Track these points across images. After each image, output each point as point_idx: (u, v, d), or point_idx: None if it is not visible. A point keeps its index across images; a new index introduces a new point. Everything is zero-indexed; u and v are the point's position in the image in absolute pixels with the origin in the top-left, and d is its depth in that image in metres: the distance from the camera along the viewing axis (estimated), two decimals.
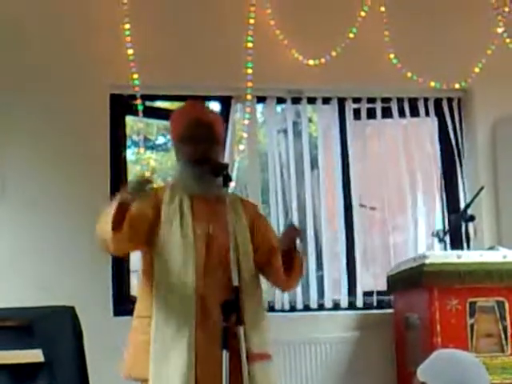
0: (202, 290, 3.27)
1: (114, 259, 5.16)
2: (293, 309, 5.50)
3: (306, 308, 5.53)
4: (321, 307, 5.55)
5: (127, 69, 5.24)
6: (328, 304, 5.56)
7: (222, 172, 3.31)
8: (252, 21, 5.46)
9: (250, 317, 3.29)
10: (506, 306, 4.68)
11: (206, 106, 3.76)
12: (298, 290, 5.45)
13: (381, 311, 5.49)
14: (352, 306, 5.57)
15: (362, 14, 5.62)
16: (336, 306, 5.58)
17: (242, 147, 5.51)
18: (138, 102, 5.31)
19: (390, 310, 5.40)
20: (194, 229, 3.35)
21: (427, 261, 4.67)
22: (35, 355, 3.67)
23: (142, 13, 5.30)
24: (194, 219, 3.38)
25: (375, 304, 5.57)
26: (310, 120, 6.55)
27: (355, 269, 5.63)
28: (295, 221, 5.49)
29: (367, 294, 5.63)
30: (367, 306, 5.57)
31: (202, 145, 3.41)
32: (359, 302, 5.57)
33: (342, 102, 5.79)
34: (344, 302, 5.57)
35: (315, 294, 5.54)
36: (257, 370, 3.26)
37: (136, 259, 5.95)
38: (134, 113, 5.37)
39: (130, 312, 5.04)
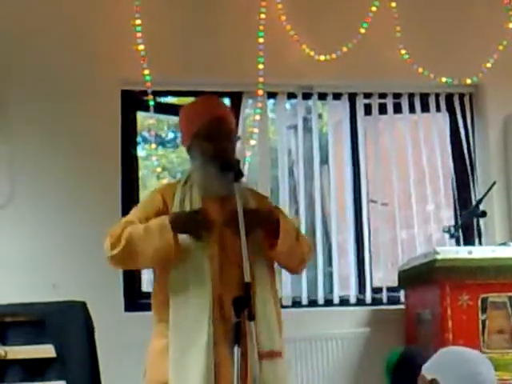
0: (219, 289, 3.25)
1: None
2: (299, 304, 5.50)
3: (314, 303, 5.53)
4: (328, 303, 5.55)
5: (138, 65, 5.24)
6: (337, 300, 5.55)
7: (233, 167, 3.30)
8: (263, 16, 5.45)
9: (259, 314, 3.26)
10: None
11: (221, 101, 3.71)
12: (304, 285, 5.46)
13: (392, 307, 5.49)
14: (362, 301, 5.57)
15: (373, 9, 5.60)
16: (345, 302, 5.57)
17: (252, 142, 5.50)
18: (150, 97, 5.31)
19: (400, 306, 5.39)
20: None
21: (438, 257, 4.65)
22: (47, 350, 3.69)
23: (152, 8, 5.29)
24: None
25: (385, 300, 5.57)
26: (321, 116, 6.53)
27: (365, 264, 5.63)
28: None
29: (377, 289, 5.63)
30: (378, 301, 5.57)
31: (222, 143, 3.38)
32: (369, 298, 5.56)
33: (352, 98, 5.78)
34: (353, 298, 5.57)
35: (322, 290, 5.54)
36: (265, 368, 3.23)
37: None
38: (145, 109, 5.36)
39: (141, 307, 5.12)
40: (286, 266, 3.54)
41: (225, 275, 3.28)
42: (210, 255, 3.29)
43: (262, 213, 3.38)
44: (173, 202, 3.39)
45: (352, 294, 5.58)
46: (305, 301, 5.51)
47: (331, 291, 5.60)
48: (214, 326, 3.22)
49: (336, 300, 5.56)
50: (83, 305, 3.87)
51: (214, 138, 3.37)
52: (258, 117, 5.52)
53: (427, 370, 2.61)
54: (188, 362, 3.20)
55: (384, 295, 5.58)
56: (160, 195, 3.44)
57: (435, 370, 2.58)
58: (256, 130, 5.52)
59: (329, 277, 5.68)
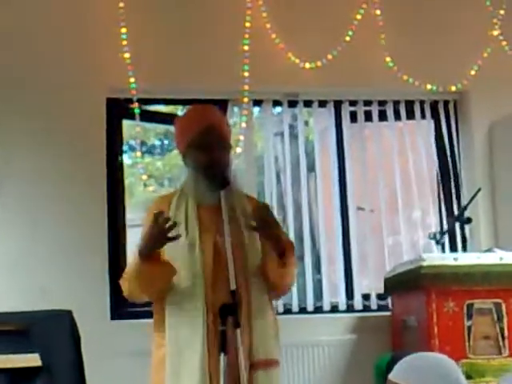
0: (212, 299, 3.24)
1: (111, 263, 5.16)
2: (289, 311, 5.49)
3: (303, 311, 5.53)
4: (318, 310, 5.55)
5: (124, 72, 5.23)
6: (326, 307, 5.55)
7: (218, 175, 3.31)
8: (248, 24, 5.46)
9: (254, 322, 3.26)
10: (503, 307, 4.68)
11: (215, 110, 3.72)
12: (295, 292, 5.46)
13: (378, 314, 5.50)
14: (350, 308, 5.58)
15: (358, 17, 5.63)
16: (333, 309, 5.58)
17: (239, 150, 5.51)
18: (135, 105, 5.31)
19: (388, 313, 5.40)
20: (201, 239, 3.32)
21: (424, 263, 4.67)
22: (33, 359, 3.66)
23: (138, 17, 5.30)
24: (201, 229, 3.34)
25: (374, 307, 5.58)
26: (307, 123, 6.55)
27: (353, 271, 5.64)
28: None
29: (364, 296, 5.63)
30: (365, 308, 5.58)
31: (215, 152, 3.39)
32: (357, 305, 5.57)
33: (338, 105, 5.80)
34: (342, 305, 5.57)
35: (312, 297, 5.54)
36: (259, 378, 3.22)
37: None
38: (131, 117, 5.36)
39: (127, 316, 5.12)
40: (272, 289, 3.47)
41: (219, 285, 3.26)
42: (205, 263, 3.29)
43: (276, 233, 3.36)
44: (169, 212, 3.39)
45: (341, 300, 5.59)
46: (295, 308, 5.51)
47: (320, 298, 5.60)
48: (208, 336, 3.21)
49: (326, 307, 5.56)
50: (69, 313, 3.85)
51: (204, 147, 3.39)
52: (244, 124, 5.52)
53: (402, 377, 2.59)
54: (183, 374, 3.22)
55: (372, 302, 5.59)
56: (156, 209, 3.44)
57: (414, 376, 2.57)
58: (242, 138, 5.53)
59: (318, 284, 5.68)
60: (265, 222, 3.29)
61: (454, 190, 5.79)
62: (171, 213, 3.38)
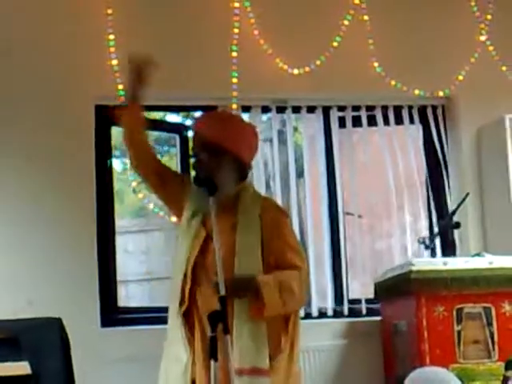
0: (202, 304, 3.26)
1: (101, 270, 5.15)
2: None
3: None
4: (307, 315, 5.55)
5: (112, 80, 5.23)
6: (314, 312, 5.55)
7: (203, 182, 3.32)
8: (236, 30, 5.47)
9: (239, 329, 3.25)
10: (493, 312, 4.70)
11: (211, 115, 3.73)
12: None
13: (369, 319, 5.50)
14: (339, 313, 5.58)
15: (346, 22, 5.64)
16: (323, 314, 5.58)
17: None
18: None
19: (378, 318, 5.41)
20: (198, 233, 3.36)
21: (414, 268, 4.68)
22: (22, 367, 3.65)
23: (126, 23, 5.29)
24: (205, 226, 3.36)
25: (364, 312, 5.58)
26: (296, 129, 6.55)
27: (342, 277, 5.64)
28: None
29: (354, 301, 5.64)
30: (355, 313, 5.58)
31: (196, 157, 3.43)
32: (346, 310, 5.58)
33: (326, 111, 5.80)
34: (331, 310, 5.58)
35: None
36: None
37: (123, 269, 5.94)
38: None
39: (117, 323, 5.11)
40: None
41: (210, 289, 3.26)
42: (191, 250, 3.33)
43: (239, 283, 3.25)
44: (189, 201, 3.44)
45: (329, 306, 5.59)
46: None
47: (309, 304, 5.60)
48: (192, 343, 3.25)
49: (314, 312, 5.56)
50: (59, 321, 3.84)
51: (192, 154, 3.47)
52: None
53: None
54: (169, 379, 3.28)
55: (362, 307, 5.60)
56: (187, 180, 3.51)
57: None
58: None
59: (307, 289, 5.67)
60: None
61: (442, 195, 5.80)
62: (189, 203, 3.45)
